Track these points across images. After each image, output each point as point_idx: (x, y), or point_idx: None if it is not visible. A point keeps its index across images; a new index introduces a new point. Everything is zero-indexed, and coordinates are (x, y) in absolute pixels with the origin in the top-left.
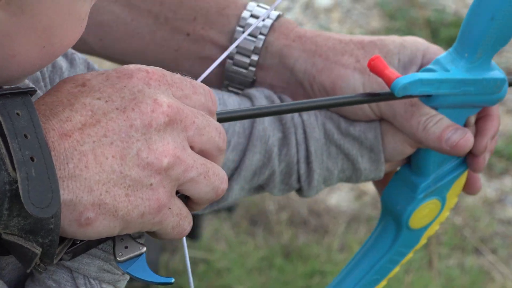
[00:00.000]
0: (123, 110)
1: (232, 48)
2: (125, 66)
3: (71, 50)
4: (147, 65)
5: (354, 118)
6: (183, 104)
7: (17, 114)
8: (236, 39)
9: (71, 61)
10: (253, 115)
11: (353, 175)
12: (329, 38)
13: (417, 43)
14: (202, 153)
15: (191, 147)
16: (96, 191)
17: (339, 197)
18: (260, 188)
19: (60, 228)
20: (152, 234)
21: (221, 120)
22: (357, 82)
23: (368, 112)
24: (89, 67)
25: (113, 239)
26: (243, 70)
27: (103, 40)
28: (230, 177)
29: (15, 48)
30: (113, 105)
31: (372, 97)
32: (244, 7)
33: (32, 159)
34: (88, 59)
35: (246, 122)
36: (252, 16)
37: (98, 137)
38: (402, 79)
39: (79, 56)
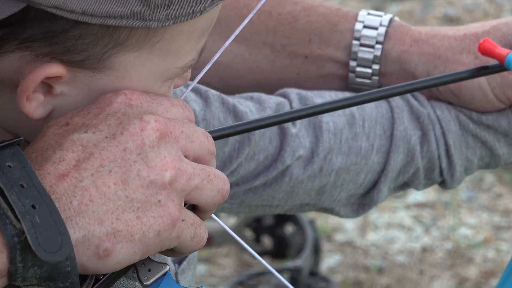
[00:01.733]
0: (112, 136)
1: (230, 39)
2: (103, 96)
3: (204, 88)
4: (271, 93)
5: (484, 111)
6: (166, 118)
7: (9, 166)
8: (354, 53)
9: (205, 99)
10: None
11: (491, 161)
12: (444, 37)
13: None
14: (196, 160)
15: (185, 156)
16: (107, 221)
17: (440, 285)
18: (405, 185)
19: (81, 267)
20: (171, 252)
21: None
22: (480, 79)
23: (496, 103)
24: (223, 102)
25: (134, 266)
26: (367, 81)
27: (225, 79)
28: (378, 180)
29: None
30: (101, 135)
31: (483, 71)
32: (355, 18)
33: (33, 206)
34: (222, 94)
35: (385, 123)
36: (365, 26)
37: (95, 168)
38: None
39: (213, 93)
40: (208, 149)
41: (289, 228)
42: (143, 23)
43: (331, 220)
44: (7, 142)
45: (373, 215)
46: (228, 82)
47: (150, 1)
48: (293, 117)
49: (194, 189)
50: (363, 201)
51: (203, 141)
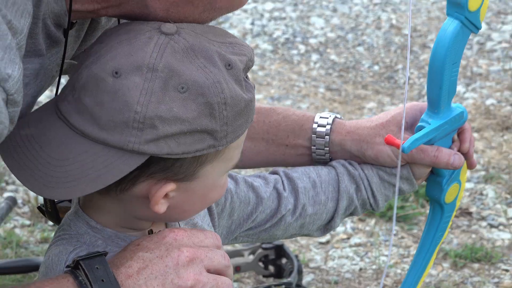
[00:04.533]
0: (161, 257)
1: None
2: (162, 231)
3: (235, 174)
4: (271, 165)
5: (392, 166)
6: (198, 247)
7: (97, 267)
8: (314, 141)
9: (236, 180)
10: None
11: (401, 193)
12: (364, 127)
13: (414, 106)
14: (217, 271)
15: (208, 270)
16: None
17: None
18: (350, 214)
19: None
20: None
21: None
22: (388, 151)
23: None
24: (245, 181)
25: None
26: (323, 157)
27: (243, 161)
28: (333, 216)
29: (185, 209)
30: (155, 255)
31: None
32: (313, 121)
33: None
34: (244, 176)
35: (334, 183)
36: (319, 125)
37: (147, 275)
38: (405, 144)
39: (239, 176)
40: (224, 264)
41: (283, 260)
42: (215, 149)
43: (308, 255)
44: (97, 253)
45: (333, 254)
46: (244, 163)
47: (217, 136)
48: None
49: None
50: (326, 227)
51: (220, 261)
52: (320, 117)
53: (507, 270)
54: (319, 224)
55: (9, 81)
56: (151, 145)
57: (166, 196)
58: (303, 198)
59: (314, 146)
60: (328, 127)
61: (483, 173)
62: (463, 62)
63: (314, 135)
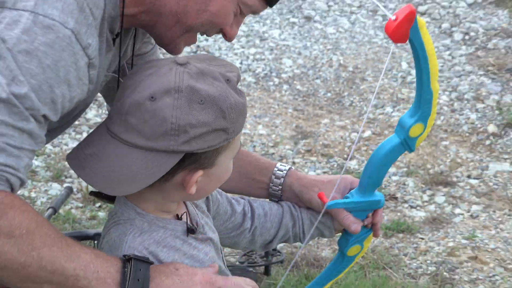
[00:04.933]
0: None
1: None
2: (195, 269)
3: (220, 191)
4: (240, 193)
5: (319, 212)
6: None
7: (140, 269)
8: (272, 180)
9: (220, 194)
10: None
11: (323, 236)
12: (309, 179)
13: (347, 179)
14: None
15: None
16: None
17: (326, 253)
18: (284, 241)
19: None
20: None
21: None
22: (318, 200)
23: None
24: (227, 197)
25: None
26: (276, 193)
27: (221, 186)
28: (272, 240)
29: (207, 189)
30: (182, 285)
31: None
32: (275, 166)
33: None
34: (227, 194)
35: (279, 217)
36: (278, 170)
37: None
38: (329, 203)
39: (224, 194)
40: None
41: None
42: (227, 141)
43: None
44: (144, 259)
45: None
46: (222, 188)
47: (228, 130)
48: None
49: None
50: (266, 246)
51: None
52: (280, 165)
53: (422, 238)
54: (261, 243)
55: (89, 48)
56: (185, 145)
57: (196, 181)
58: (257, 222)
59: (272, 183)
60: (285, 172)
61: (405, 169)
62: (391, 90)
63: (273, 176)
